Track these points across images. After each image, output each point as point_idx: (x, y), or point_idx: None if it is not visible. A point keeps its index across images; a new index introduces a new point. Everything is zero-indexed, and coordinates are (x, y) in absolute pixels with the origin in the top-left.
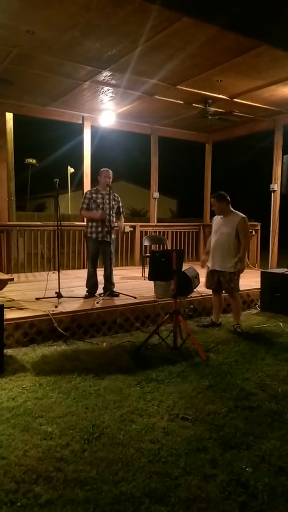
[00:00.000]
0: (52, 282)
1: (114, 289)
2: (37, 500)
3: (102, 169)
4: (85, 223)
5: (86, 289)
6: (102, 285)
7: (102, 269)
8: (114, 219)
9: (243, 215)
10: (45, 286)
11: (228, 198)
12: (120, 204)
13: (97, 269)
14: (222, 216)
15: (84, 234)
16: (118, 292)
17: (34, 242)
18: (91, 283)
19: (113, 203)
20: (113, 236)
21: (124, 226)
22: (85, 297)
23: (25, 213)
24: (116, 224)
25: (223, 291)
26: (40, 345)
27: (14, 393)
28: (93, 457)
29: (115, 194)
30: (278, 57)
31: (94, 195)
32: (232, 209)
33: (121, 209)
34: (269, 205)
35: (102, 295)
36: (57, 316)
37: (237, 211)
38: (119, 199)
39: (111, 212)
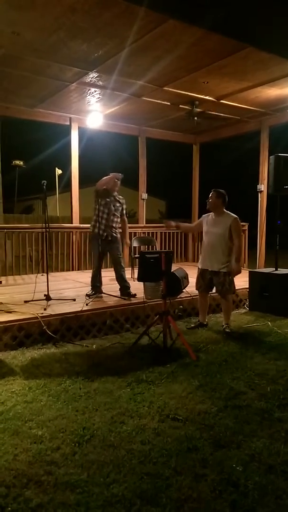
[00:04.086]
0: (41, 285)
1: (129, 290)
2: (28, 504)
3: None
4: (73, 224)
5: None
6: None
7: (104, 270)
8: (119, 220)
9: (235, 216)
10: (33, 289)
11: (226, 199)
12: (124, 206)
13: (103, 270)
14: (212, 214)
15: (89, 235)
16: (106, 293)
17: (22, 245)
18: (93, 283)
19: (117, 205)
20: (118, 235)
21: (127, 235)
22: (87, 295)
23: (13, 215)
24: (120, 226)
25: (215, 292)
26: (29, 348)
27: (3, 397)
28: (84, 460)
29: (119, 196)
30: (263, 59)
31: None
32: (225, 210)
33: (124, 211)
34: (256, 205)
35: (90, 296)
36: (46, 318)
37: (229, 212)
38: (123, 201)
39: (115, 213)
